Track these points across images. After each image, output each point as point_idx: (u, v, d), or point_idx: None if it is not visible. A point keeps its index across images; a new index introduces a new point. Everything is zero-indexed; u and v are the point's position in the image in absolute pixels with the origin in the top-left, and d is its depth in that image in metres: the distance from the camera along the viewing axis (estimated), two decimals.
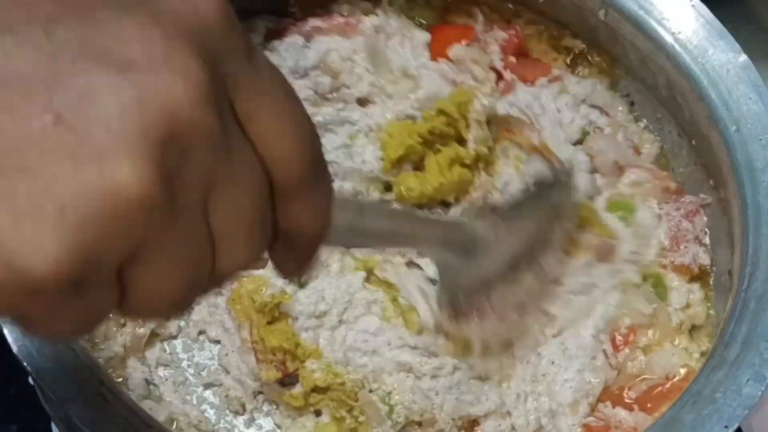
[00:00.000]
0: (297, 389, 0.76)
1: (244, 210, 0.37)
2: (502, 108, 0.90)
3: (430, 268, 0.79)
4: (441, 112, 0.86)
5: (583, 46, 0.97)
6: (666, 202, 0.88)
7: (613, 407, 0.79)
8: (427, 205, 0.85)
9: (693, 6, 0.87)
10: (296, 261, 0.44)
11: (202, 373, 0.80)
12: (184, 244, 0.35)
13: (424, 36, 0.94)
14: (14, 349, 0.64)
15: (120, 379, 0.76)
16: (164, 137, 0.33)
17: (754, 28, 1.11)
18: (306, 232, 0.42)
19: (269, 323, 0.77)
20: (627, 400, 0.80)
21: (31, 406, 0.79)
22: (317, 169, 0.41)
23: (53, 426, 0.80)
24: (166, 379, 0.79)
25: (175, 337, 0.81)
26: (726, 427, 0.68)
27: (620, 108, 0.96)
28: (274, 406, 0.79)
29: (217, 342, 0.81)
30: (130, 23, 0.34)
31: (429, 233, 0.63)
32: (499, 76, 0.94)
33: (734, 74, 0.84)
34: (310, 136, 0.40)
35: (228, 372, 0.79)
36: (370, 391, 0.76)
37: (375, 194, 0.85)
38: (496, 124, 0.90)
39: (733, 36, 0.85)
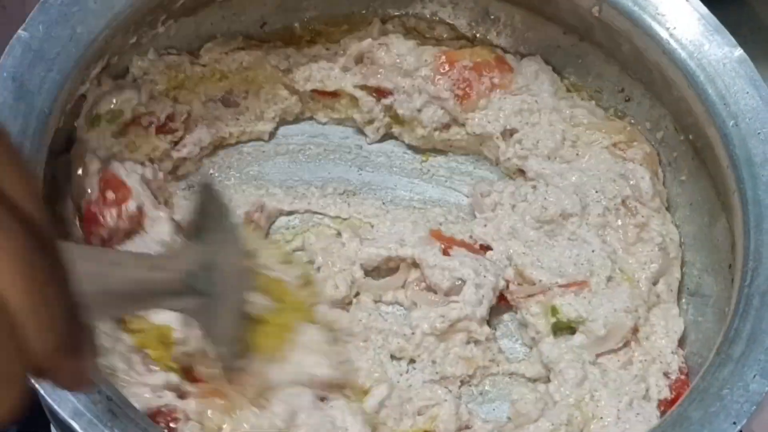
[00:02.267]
0: None
1: None
2: None
3: None
4: None
5: None
6: None
7: None
8: None
9: (688, 1, 0.87)
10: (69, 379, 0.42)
11: None
12: None
13: None
14: None
15: None
16: None
17: (754, 27, 1.12)
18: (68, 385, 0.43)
19: None
20: None
21: (31, 407, 0.78)
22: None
23: (53, 428, 0.80)
24: None
25: None
26: (734, 423, 0.68)
27: None
28: None
29: None
30: None
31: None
32: None
33: (731, 69, 0.84)
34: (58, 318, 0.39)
35: None
36: None
37: None
38: None
39: (732, 35, 0.85)
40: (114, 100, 0.88)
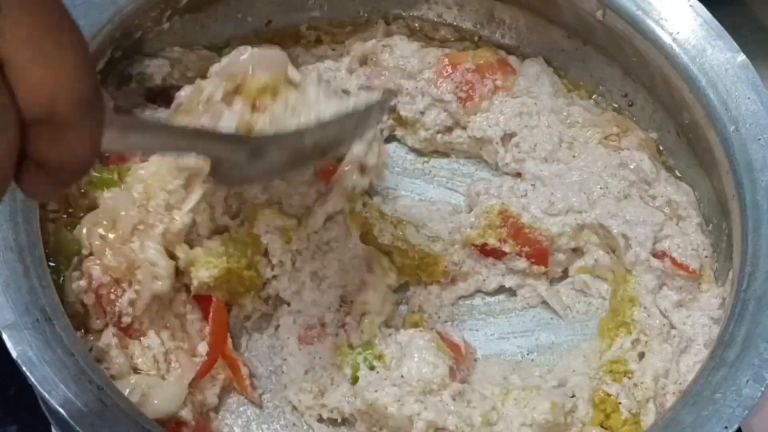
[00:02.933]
0: None
1: None
2: None
3: None
4: None
5: None
6: None
7: None
8: None
9: (691, 6, 0.87)
10: (51, 188, 0.45)
11: None
12: None
13: None
14: (14, 354, 0.64)
15: None
16: None
17: (754, 28, 1.11)
18: (63, 165, 0.44)
19: None
20: None
21: (31, 407, 0.79)
22: (79, 108, 0.42)
23: (53, 428, 0.80)
24: None
25: None
26: (726, 427, 0.68)
27: None
28: None
29: None
30: None
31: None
32: None
33: (732, 74, 0.84)
34: (72, 75, 0.42)
35: None
36: None
37: None
38: None
39: (732, 36, 0.85)
40: (147, 63, 0.90)
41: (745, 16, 1.11)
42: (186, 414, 0.77)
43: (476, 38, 1.02)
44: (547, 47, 1.00)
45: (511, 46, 1.01)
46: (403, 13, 1.02)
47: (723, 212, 0.85)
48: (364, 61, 1.00)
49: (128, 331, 0.78)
